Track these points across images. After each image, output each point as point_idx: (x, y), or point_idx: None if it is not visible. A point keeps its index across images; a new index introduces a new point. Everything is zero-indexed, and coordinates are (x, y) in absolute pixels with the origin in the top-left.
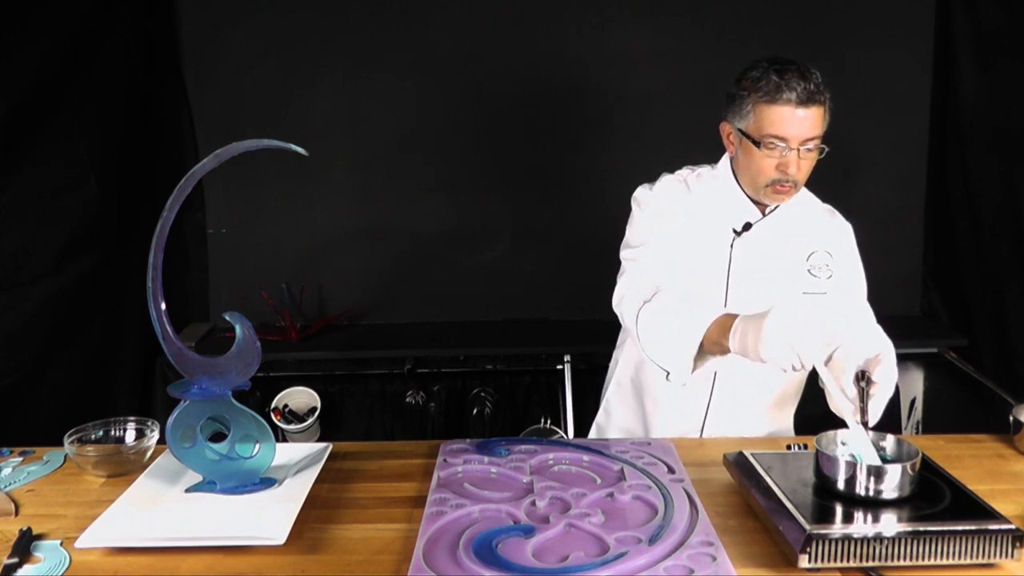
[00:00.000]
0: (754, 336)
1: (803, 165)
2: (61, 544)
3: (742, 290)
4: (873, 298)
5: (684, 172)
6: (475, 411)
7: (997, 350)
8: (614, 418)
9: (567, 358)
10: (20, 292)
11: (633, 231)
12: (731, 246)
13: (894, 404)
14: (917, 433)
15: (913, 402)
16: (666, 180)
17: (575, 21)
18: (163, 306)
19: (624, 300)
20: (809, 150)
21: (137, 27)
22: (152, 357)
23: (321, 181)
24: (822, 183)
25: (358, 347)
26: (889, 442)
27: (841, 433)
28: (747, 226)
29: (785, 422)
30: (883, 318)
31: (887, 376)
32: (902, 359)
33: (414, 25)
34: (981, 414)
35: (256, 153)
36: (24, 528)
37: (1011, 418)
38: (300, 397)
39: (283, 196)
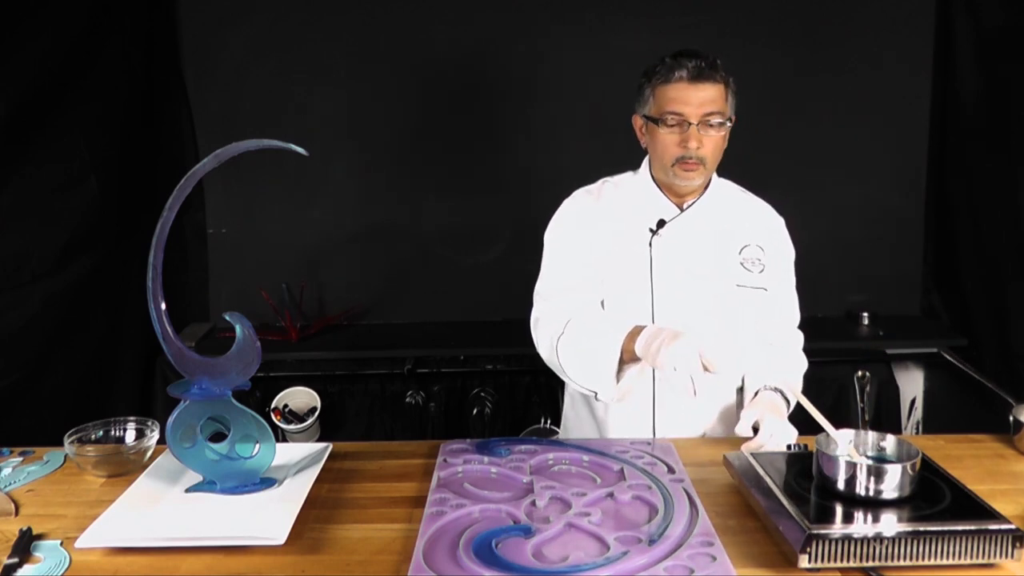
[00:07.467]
0: (658, 346)
1: (707, 142)
2: (61, 544)
3: (668, 288)
4: (873, 298)
5: (597, 183)
6: (475, 411)
7: (997, 350)
8: (572, 434)
9: None
10: (21, 292)
11: (543, 261)
12: (650, 245)
13: (894, 404)
14: (917, 433)
15: (913, 402)
16: (572, 196)
17: (575, 22)
18: (163, 306)
19: (538, 339)
20: (711, 125)
21: (137, 27)
22: (152, 357)
23: (321, 181)
24: (822, 184)
25: (358, 347)
26: (889, 442)
27: (833, 436)
28: (661, 223)
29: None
30: (883, 318)
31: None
32: (902, 359)
33: (413, 26)
34: (981, 414)
35: (256, 153)
36: (24, 528)
37: (1011, 418)
38: (300, 397)
39: (283, 196)
